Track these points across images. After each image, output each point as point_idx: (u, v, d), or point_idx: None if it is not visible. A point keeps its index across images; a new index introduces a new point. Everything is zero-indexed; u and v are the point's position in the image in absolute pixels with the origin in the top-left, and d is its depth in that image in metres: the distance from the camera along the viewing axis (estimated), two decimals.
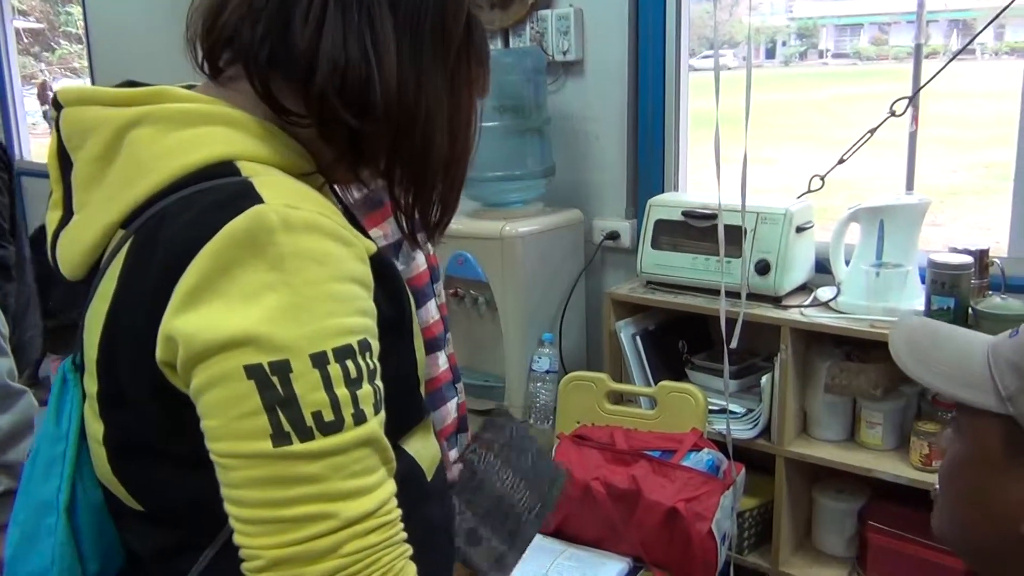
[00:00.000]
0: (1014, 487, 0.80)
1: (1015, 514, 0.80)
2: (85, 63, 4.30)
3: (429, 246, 1.62)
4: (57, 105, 0.82)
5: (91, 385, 0.80)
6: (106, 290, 0.76)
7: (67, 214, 0.83)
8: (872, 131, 2.15)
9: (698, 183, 2.61)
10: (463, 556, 1.33)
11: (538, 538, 2.03)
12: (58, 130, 0.82)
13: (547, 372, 2.48)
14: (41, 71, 7.88)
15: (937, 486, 0.92)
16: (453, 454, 1.55)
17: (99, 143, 0.78)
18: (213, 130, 0.77)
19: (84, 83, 5.04)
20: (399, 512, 0.73)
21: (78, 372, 0.83)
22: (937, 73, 2.09)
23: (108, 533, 0.86)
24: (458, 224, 2.51)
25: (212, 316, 0.68)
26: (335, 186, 0.94)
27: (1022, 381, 0.80)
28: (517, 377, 2.53)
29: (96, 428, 0.81)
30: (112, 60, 4.04)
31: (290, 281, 0.69)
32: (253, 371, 0.67)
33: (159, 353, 0.71)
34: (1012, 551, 0.82)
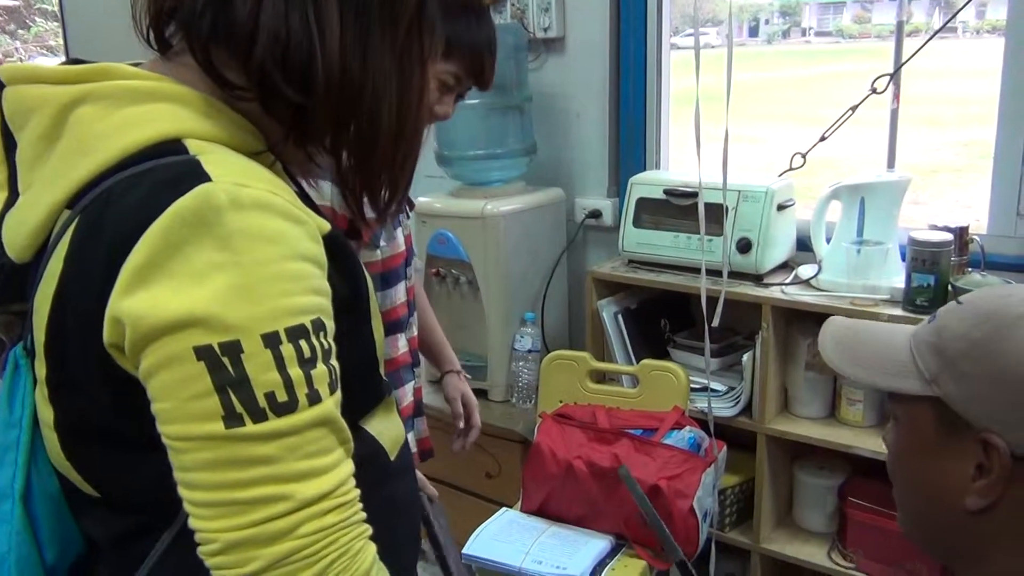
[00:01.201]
0: (951, 465, 0.82)
1: (957, 489, 0.81)
2: (61, 41, 4.24)
3: (408, 225, 1.61)
4: (0, 84, 0.79)
5: (40, 369, 0.78)
6: (53, 271, 0.74)
7: (12, 195, 0.81)
8: (854, 108, 2.15)
9: (680, 161, 2.61)
10: (443, 559, 1.35)
11: (520, 517, 2.04)
12: (1, 110, 0.80)
13: (529, 351, 2.48)
14: (16, 49, 7.77)
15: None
16: (409, 437, 1.55)
17: (43, 122, 0.76)
18: (159, 107, 0.75)
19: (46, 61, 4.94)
20: (357, 492, 0.73)
21: (29, 357, 0.81)
22: (918, 50, 2.09)
23: (65, 520, 0.85)
24: (439, 203, 2.51)
25: (160, 297, 0.66)
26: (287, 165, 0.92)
27: (942, 360, 0.83)
28: (499, 356, 2.53)
29: (47, 413, 0.79)
30: (88, 38, 3.98)
31: (240, 261, 0.67)
32: (203, 352, 0.66)
33: (107, 335, 0.69)
34: (962, 527, 0.83)
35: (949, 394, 0.82)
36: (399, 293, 1.60)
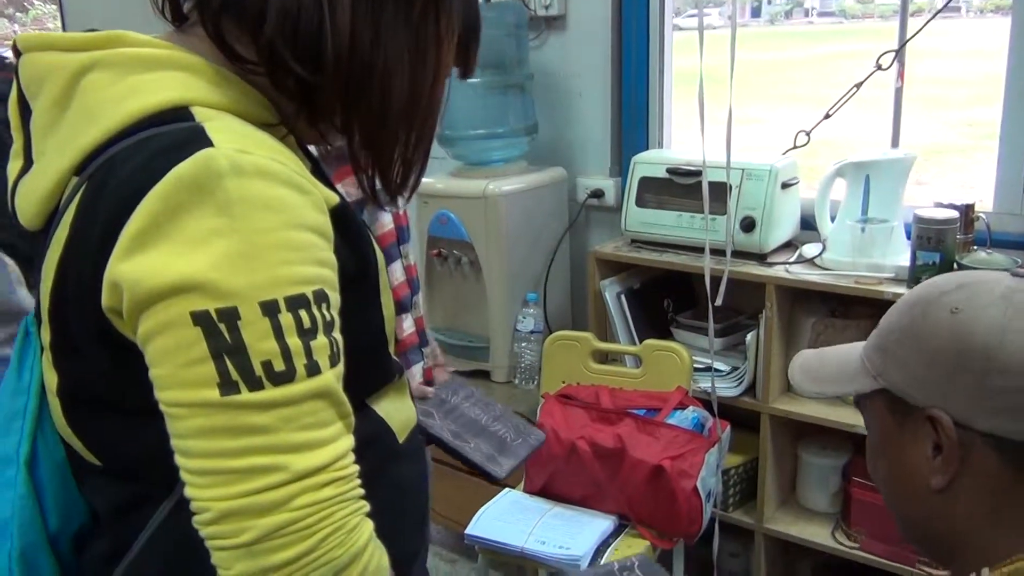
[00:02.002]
0: (912, 451, 0.86)
1: (922, 473, 0.85)
2: (59, 23, 4.22)
3: (400, 204, 1.60)
4: (17, 52, 0.79)
5: (45, 335, 0.78)
6: (59, 238, 0.74)
7: (27, 163, 0.80)
8: (858, 85, 2.13)
9: (683, 141, 2.59)
10: (455, 451, 1.33)
11: (523, 497, 2.04)
12: (18, 78, 0.80)
13: (532, 332, 2.47)
14: (15, 32, 7.74)
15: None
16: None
17: (54, 89, 0.75)
18: (167, 75, 0.74)
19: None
20: (356, 468, 0.72)
21: (38, 324, 0.82)
22: (923, 26, 2.07)
23: (70, 488, 0.85)
24: (440, 183, 2.49)
25: (158, 261, 0.65)
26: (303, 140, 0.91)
27: (883, 354, 0.89)
28: (502, 337, 2.52)
29: (51, 379, 0.79)
30: (86, 20, 3.96)
31: (239, 227, 0.66)
32: (199, 318, 0.65)
33: (105, 299, 0.68)
34: (934, 507, 0.86)
35: (892, 382, 0.87)
36: (395, 274, 1.58)
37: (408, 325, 1.62)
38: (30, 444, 0.82)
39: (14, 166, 0.82)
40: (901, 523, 0.94)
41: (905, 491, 0.89)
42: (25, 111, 0.80)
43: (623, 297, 2.33)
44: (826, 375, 0.97)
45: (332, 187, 0.81)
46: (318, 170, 0.86)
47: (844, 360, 0.95)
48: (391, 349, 0.92)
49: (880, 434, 0.92)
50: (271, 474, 0.66)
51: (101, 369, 0.74)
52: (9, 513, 0.81)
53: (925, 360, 0.84)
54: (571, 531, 1.89)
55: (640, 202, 2.30)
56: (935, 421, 0.82)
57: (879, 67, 2.10)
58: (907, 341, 0.87)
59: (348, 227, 0.79)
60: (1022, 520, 0.82)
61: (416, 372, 1.65)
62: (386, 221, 1.55)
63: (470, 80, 2.14)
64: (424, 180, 2.43)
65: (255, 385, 0.66)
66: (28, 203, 0.79)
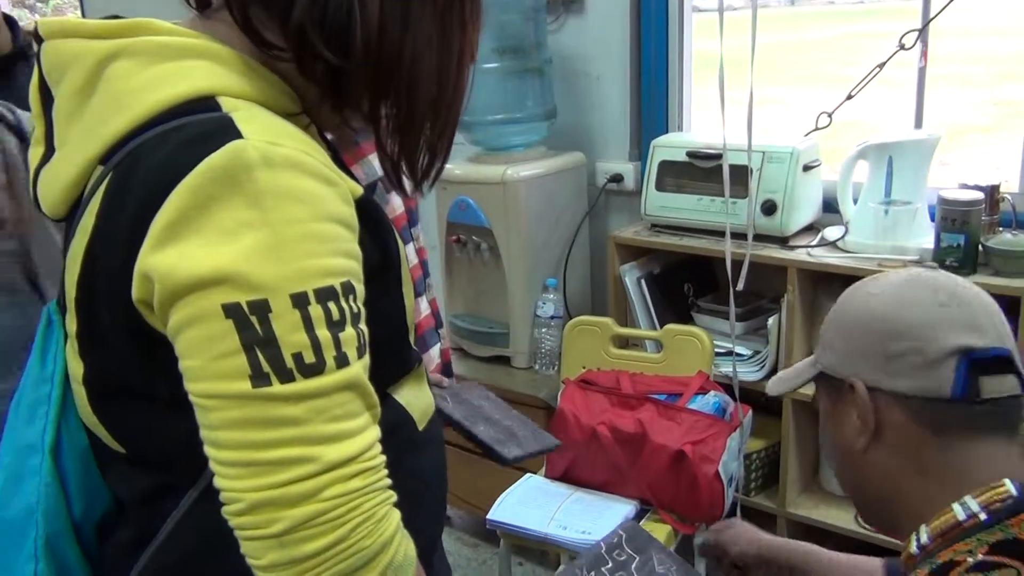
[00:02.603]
0: (844, 419, 0.97)
1: (852, 437, 0.96)
2: (79, 14, 4.23)
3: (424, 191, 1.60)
4: (38, 39, 0.79)
5: (71, 324, 0.78)
6: (85, 227, 0.74)
7: (49, 150, 0.80)
8: (881, 65, 2.10)
9: (703, 124, 2.57)
10: (465, 429, 1.33)
11: (544, 482, 2.04)
12: (39, 64, 0.80)
13: (552, 317, 2.47)
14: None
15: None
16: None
17: (78, 76, 0.75)
18: (193, 64, 0.74)
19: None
20: (383, 459, 0.72)
21: (61, 313, 0.82)
22: (947, 4, 2.04)
23: (93, 476, 0.86)
24: (459, 169, 2.49)
25: (189, 253, 0.65)
26: (322, 129, 0.91)
27: (820, 344, 1.03)
28: (522, 323, 2.52)
29: (77, 368, 0.79)
30: (105, 7, 3.97)
31: (269, 219, 0.66)
32: (231, 310, 0.65)
33: (135, 291, 0.69)
34: (864, 469, 0.97)
35: (824, 364, 1.01)
36: (409, 256, 1.59)
37: (424, 308, 1.63)
38: (54, 432, 0.83)
39: (35, 153, 0.82)
40: (849, 494, 1.05)
41: (844, 460, 1.00)
42: (47, 98, 0.80)
43: (643, 282, 2.32)
44: (786, 375, 1.11)
45: (354, 177, 0.81)
46: (338, 159, 0.86)
47: (803, 361, 1.09)
48: (411, 338, 0.92)
49: (823, 414, 1.03)
50: (302, 465, 0.66)
51: (129, 360, 0.74)
52: (35, 500, 0.82)
53: (843, 336, 0.98)
54: (592, 516, 1.89)
55: (660, 186, 2.29)
56: (854, 389, 0.94)
57: (902, 47, 2.07)
58: (833, 326, 1.00)
59: (372, 218, 0.79)
60: (943, 472, 0.90)
61: (434, 354, 1.65)
62: (396, 204, 1.55)
63: (489, 65, 2.13)
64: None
65: (286, 377, 0.66)
66: (51, 191, 0.79)
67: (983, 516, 0.86)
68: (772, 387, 1.14)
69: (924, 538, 0.89)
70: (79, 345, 0.78)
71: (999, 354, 0.91)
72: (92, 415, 0.80)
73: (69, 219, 0.79)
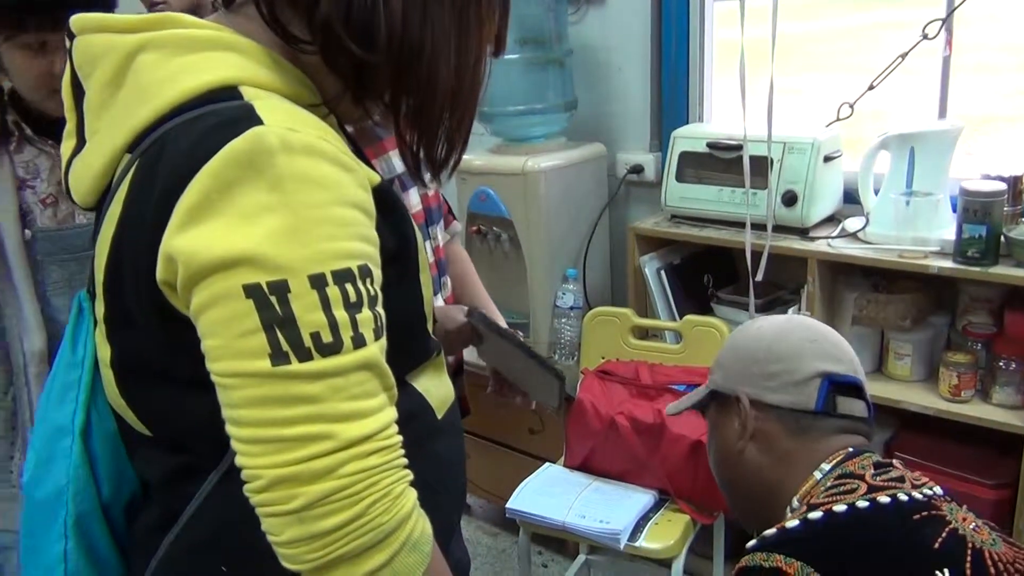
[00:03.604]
0: (728, 428, 1.18)
1: (733, 441, 1.16)
2: None
3: (431, 186, 1.60)
4: (70, 34, 0.82)
5: (100, 308, 0.81)
6: (113, 214, 0.77)
7: (80, 142, 0.83)
8: (903, 55, 2.09)
9: (723, 114, 2.56)
10: (517, 341, 1.39)
11: (564, 472, 2.06)
12: (71, 59, 0.82)
13: (571, 308, 2.47)
14: None
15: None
16: None
17: (108, 69, 0.78)
18: (217, 55, 0.76)
19: None
20: (400, 438, 0.74)
21: (92, 300, 0.85)
22: None
23: (121, 459, 0.88)
24: (480, 160, 2.50)
25: (211, 235, 0.68)
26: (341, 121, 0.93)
27: (715, 367, 1.23)
28: (542, 313, 2.53)
29: (105, 351, 0.82)
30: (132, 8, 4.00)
31: (289, 202, 0.68)
32: (252, 290, 0.67)
33: (160, 272, 0.71)
34: (742, 466, 1.16)
35: (715, 383, 1.22)
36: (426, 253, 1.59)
37: (439, 304, 1.63)
38: (84, 415, 0.85)
39: (67, 145, 0.85)
40: (726, 493, 1.23)
41: (726, 461, 1.19)
42: (78, 92, 0.83)
43: (663, 273, 2.32)
44: (680, 401, 1.33)
45: (371, 166, 0.83)
46: (357, 149, 0.87)
47: (696, 389, 1.29)
48: (429, 326, 0.94)
49: (711, 426, 1.24)
50: (320, 442, 0.68)
51: (155, 341, 0.76)
52: (65, 481, 0.85)
53: (733, 358, 1.20)
54: (611, 505, 1.90)
55: (680, 177, 2.29)
56: (738, 402, 1.15)
57: (925, 36, 2.06)
58: (726, 351, 1.22)
59: (389, 206, 0.81)
60: (805, 457, 1.10)
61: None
62: (414, 202, 1.56)
63: (509, 56, 2.13)
64: (463, 157, 2.44)
65: (304, 356, 0.68)
66: (81, 181, 0.81)
67: (828, 467, 1.07)
68: (670, 409, 1.38)
69: (795, 503, 1.06)
70: (107, 328, 0.81)
71: (852, 381, 1.14)
72: (119, 397, 0.83)
73: (98, 208, 0.81)
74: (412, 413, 0.85)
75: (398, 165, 1.45)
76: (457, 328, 1.40)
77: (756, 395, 1.14)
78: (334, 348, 0.69)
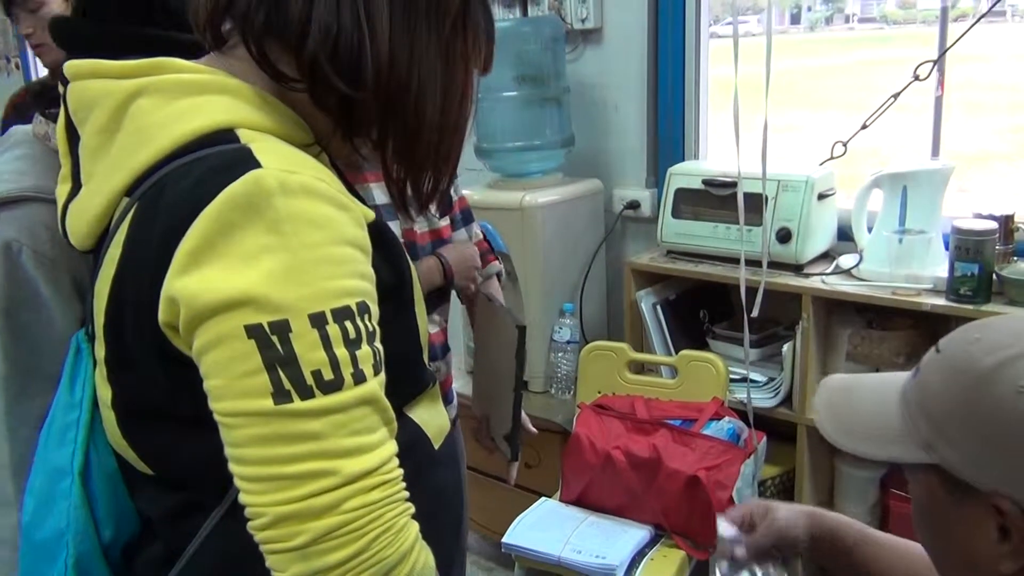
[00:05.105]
0: (974, 530, 0.80)
1: (989, 556, 0.79)
2: None
3: (442, 220, 1.61)
4: (64, 80, 0.83)
5: (100, 350, 0.82)
6: (112, 257, 0.78)
7: (76, 186, 0.84)
8: (895, 96, 2.12)
9: (719, 151, 2.59)
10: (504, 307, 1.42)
11: (559, 506, 2.06)
12: (66, 105, 0.83)
13: (568, 342, 2.48)
14: None
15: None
16: None
17: (103, 115, 0.79)
18: (212, 99, 0.78)
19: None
20: (401, 472, 0.74)
21: (90, 341, 0.85)
22: (961, 36, 2.06)
23: (122, 498, 0.88)
24: (478, 195, 2.52)
25: (212, 277, 0.69)
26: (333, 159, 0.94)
27: (932, 425, 0.81)
28: (538, 347, 2.54)
29: (105, 392, 0.83)
30: None
31: (288, 244, 0.70)
32: (253, 331, 0.68)
33: (162, 315, 0.72)
34: None
35: (947, 460, 0.80)
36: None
37: (434, 326, 1.64)
38: (83, 456, 0.86)
39: (63, 189, 0.86)
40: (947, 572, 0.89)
41: (964, 564, 0.84)
42: (73, 137, 0.84)
43: (659, 308, 2.34)
44: (861, 429, 0.90)
45: (364, 202, 0.85)
46: (349, 186, 0.89)
47: (879, 407, 0.89)
48: (425, 357, 0.95)
49: (932, 504, 0.85)
50: (323, 478, 0.69)
51: (155, 382, 0.77)
52: (65, 523, 0.85)
53: (984, 443, 0.78)
54: (607, 540, 1.90)
55: (676, 213, 2.31)
56: (999, 511, 0.77)
57: (916, 78, 2.09)
58: (960, 418, 0.79)
59: (384, 241, 0.83)
60: None
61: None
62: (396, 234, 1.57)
63: (508, 93, 2.15)
64: (462, 192, 2.45)
65: (306, 393, 0.69)
66: (79, 224, 0.83)
67: None
68: (835, 437, 0.92)
69: None
70: (107, 370, 0.81)
71: None
72: (121, 438, 0.83)
73: (96, 251, 0.83)
74: (409, 444, 0.86)
75: (379, 196, 1.46)
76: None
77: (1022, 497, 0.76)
78: (335, 385, 0.70)
